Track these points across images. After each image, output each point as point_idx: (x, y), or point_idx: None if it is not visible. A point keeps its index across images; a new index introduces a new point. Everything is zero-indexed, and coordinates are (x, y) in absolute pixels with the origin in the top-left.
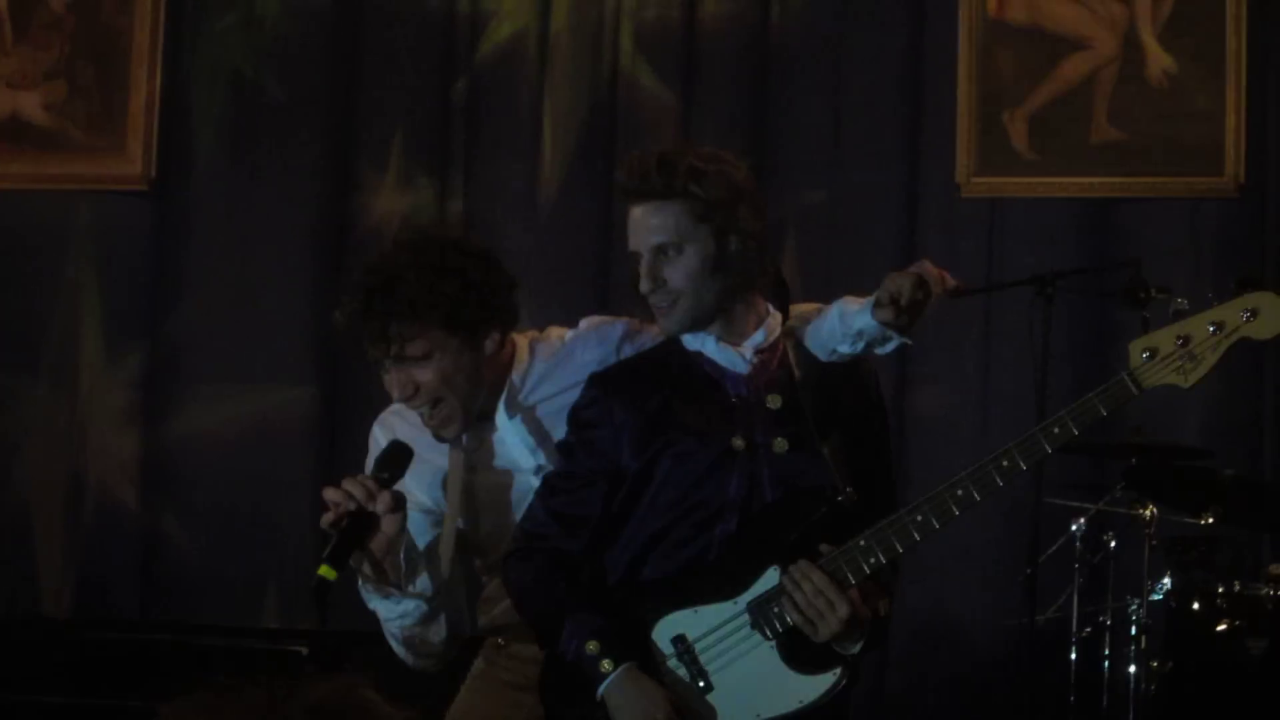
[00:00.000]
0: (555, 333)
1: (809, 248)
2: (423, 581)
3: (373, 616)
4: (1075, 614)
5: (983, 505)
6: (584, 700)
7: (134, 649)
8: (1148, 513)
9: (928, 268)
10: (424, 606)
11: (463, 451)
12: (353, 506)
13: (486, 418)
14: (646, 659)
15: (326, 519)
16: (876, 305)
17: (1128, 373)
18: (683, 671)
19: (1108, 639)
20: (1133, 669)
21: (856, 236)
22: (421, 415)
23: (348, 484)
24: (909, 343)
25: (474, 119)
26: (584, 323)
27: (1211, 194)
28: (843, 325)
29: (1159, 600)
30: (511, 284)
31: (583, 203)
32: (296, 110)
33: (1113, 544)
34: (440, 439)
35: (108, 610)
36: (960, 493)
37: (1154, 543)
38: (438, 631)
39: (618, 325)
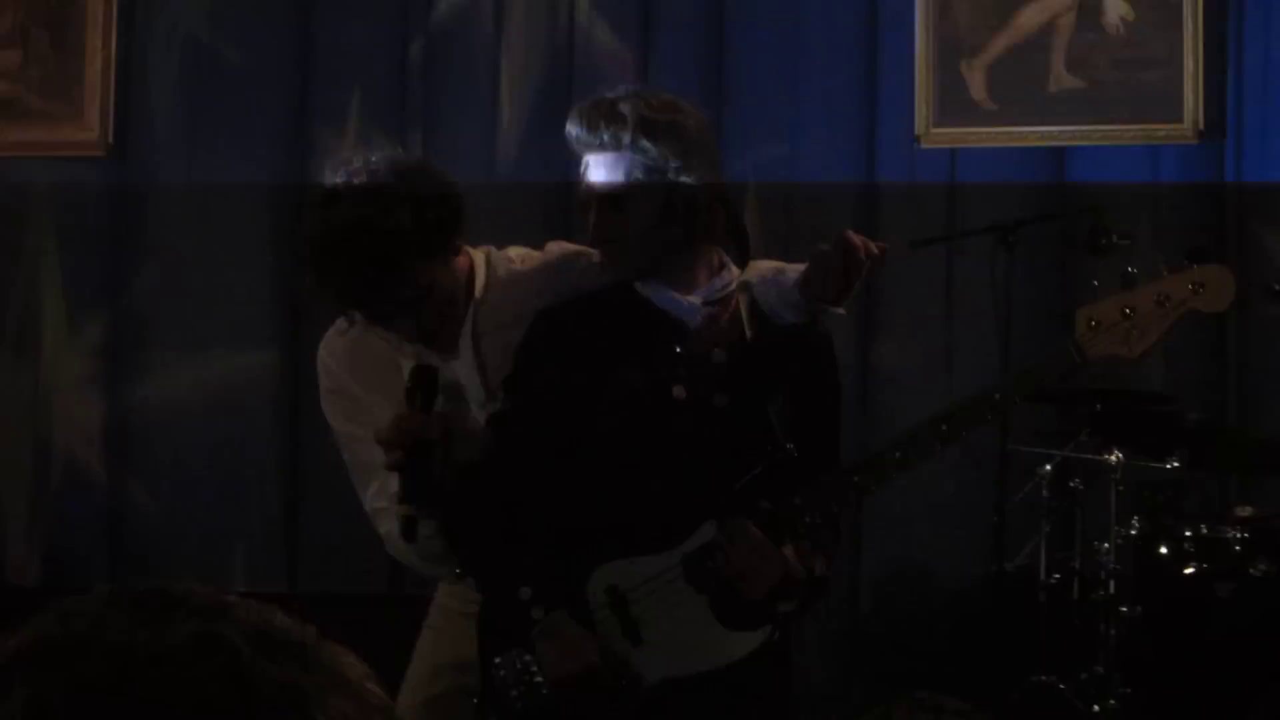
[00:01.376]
0: (515, 252)
1: (769, 201)
2: None
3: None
4: (1043, 560)
5: (949, 453)
6: (516, 644)
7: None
8: (1113, 458)
9: (850, 239)
10: None
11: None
12: (408, 442)
13: (450, 347)
14: (579, 608)
15: (388, 462)
16: (804, 285)
17: (1072, 341)
18: (613, 622)
19: (1076, 585)
20: (1102, 614)
21: (816, 189)
22: (418, 349)
23: (396, 422)
24: (841, 312)
25: (431, 78)
26: (551, 247)
27: (1171, 140)
28: (781, 300)
29: (1126, 545)
30: (456, 192)
31: (542, 160)
32: (253, 73)
33: (1080, 490)
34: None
35: (75, 578)
36: (898, 456)
37: (1120, 488)
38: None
39: (582, 259)
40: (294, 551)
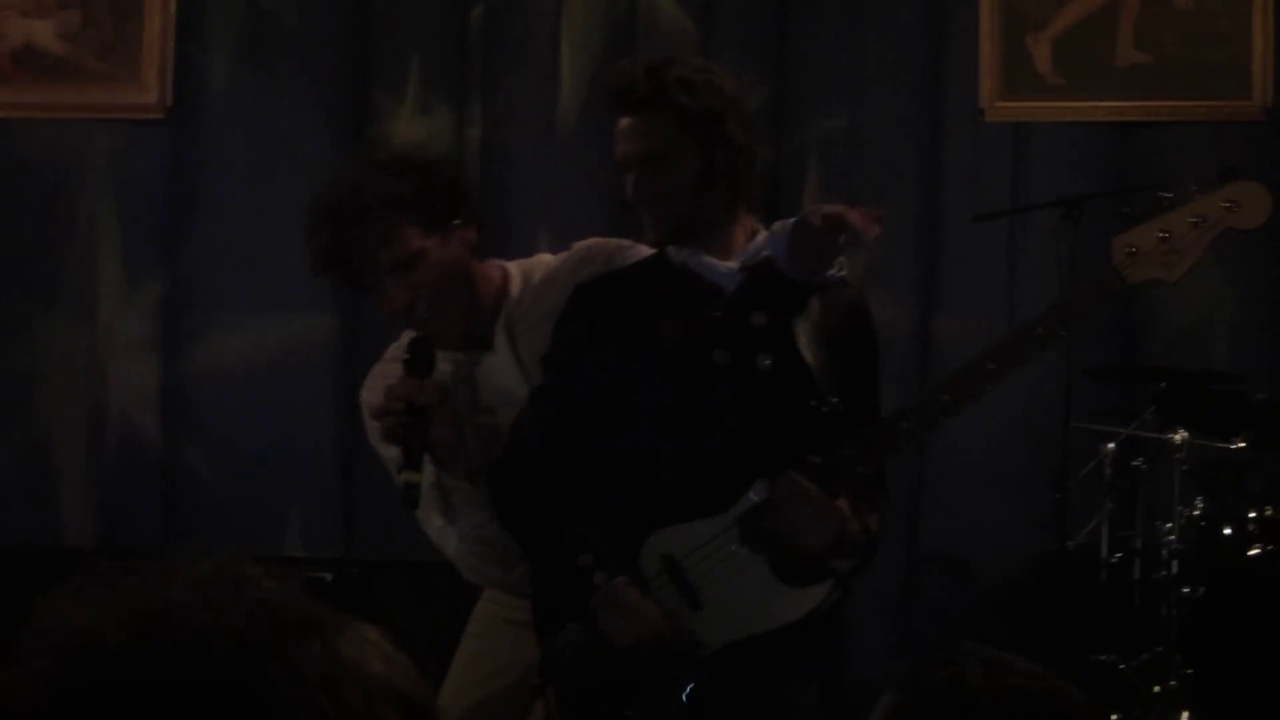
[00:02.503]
0: (544, 258)
1: (830, 175)
2: None
3: (395, 545)
4: (1105, 539)
5: (1011, 431)
6: (576, 616)
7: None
8: (1178, 437)
9: (827, 212)
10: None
11: (461, 379)
12: (401, 408)
13: (486, 345)
14: (635, 578)
15: (385, 429)
16: (790, 251)
17: (1112, 269)
18: (671, 590)
19: (1138, 565)
20: (1163, 594)
21: (878, 163)
22: (415, 329)
23: (391, 390)
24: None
25: (492, 45)
26: (576, 246)
27: (1237, 117)
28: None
29: (1190, 525)
30: (470, 180)
31: (601, 130)
32: (312, 36)
33: (1143, 469)
34: (442, 347)
35: (130, 541)
36: (946, 398)
37: (1185, 468)
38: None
39: (608, 244)
40: (349, 517)
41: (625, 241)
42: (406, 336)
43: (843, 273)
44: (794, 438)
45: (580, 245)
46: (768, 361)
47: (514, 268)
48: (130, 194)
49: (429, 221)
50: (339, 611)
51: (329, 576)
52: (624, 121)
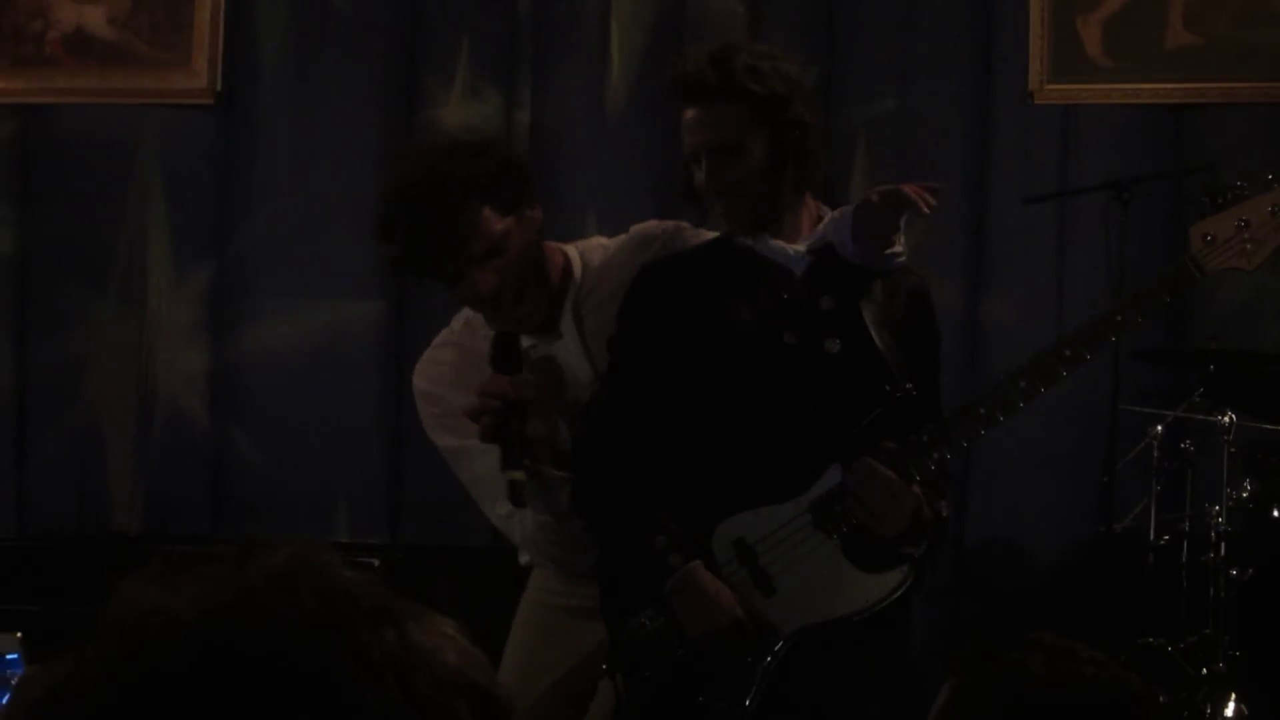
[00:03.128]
0: (599, 240)
1: (880, 156)
2: None
3: (442, 530)
4: (1153, 522)
5: (1059, 413)
6: (649, 600)
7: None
8: (1226, 419)
9: (892, 189)
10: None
11: (535, 364)
12: (498, 406)
13: (553, 329)
14: (708, 564)
15: (482, 429)
16: (854, 231)
17: (1190, 257)
18: (744, 575)
19: (1186, 547)
20: (1212, 577)
21: (928, 145)
22: (497, 318)
23: (485, 389)
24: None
25: (541, 29)
26: (634, 229)
27: None
28: (842, 240)
29: (1238, 507)
30: (516, 150)
31: (651, 112)
32: (362, 21)
33: (1191, 451)
34: (524, 332)
35: (179, 526)
36: (1024, 384)
37: (1233, 450)
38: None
39: (668, 226)
40: (396, 503)
41: (684, 223)
42: (459, 322)
43: (903, 258)
44: (868, 422)
45: (639, 228)
46: (837, 345)
47: (573, 250)
48: (180, 180)
49: (507, 204)
50: (415, 602)
51: (376, 562)
52: (691, 112)
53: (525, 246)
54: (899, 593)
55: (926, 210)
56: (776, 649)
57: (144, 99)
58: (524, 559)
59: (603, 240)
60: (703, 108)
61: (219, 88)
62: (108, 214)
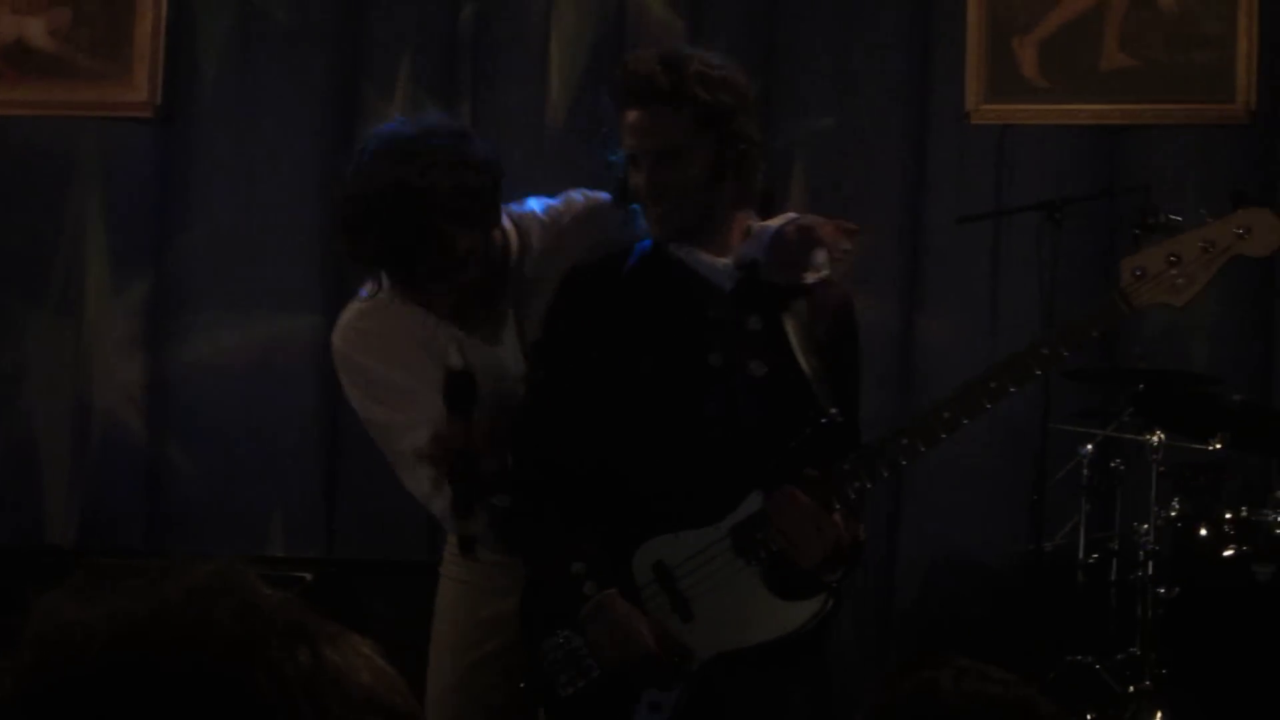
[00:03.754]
0: (533, 211)
1: (817, 174)
2: None
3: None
4: (1083, 540)
5: (990, 432)
6: (566, 625)
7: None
8: (1155, 439)
9: (811, 229)
10: None
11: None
12: (452, 455)
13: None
14: (626, 587)
15: (435, 477)
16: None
17: (1118, 291)
18: (663, 598)
19: (1115, 565)
20: (1140, 595)
21: (865, 163)
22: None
23: (439, 437)
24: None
25: (481, 46)
26: (574, 197)
27: (1223, 121)
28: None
29: (1166, 526)
30: (492, 151)
31: (590, 131)
32: (303, 36)
33: (1121, 470)
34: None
35: (114, 539)
36: (947, 415)
37: (1161, 469)
38: None
39: (612, 214)
40: (332, 517)
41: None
42: (370, 287)
43: (825, 272)
44: (791, 448)
45: (575, 202)
46: (763, 368)
47: (508, 221)
48: (119, 192)
49: (469, 219)
50: (332, 622)
51: (309, 576)
52: (634, 114)
53: (490, 262)
54: (816, 620)
55: (838, 256)
56: (692, 673)
57: (84, 111)
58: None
59: (536, 210)
60: (649, 110)
61: (159, 101)
62: (46, 226)
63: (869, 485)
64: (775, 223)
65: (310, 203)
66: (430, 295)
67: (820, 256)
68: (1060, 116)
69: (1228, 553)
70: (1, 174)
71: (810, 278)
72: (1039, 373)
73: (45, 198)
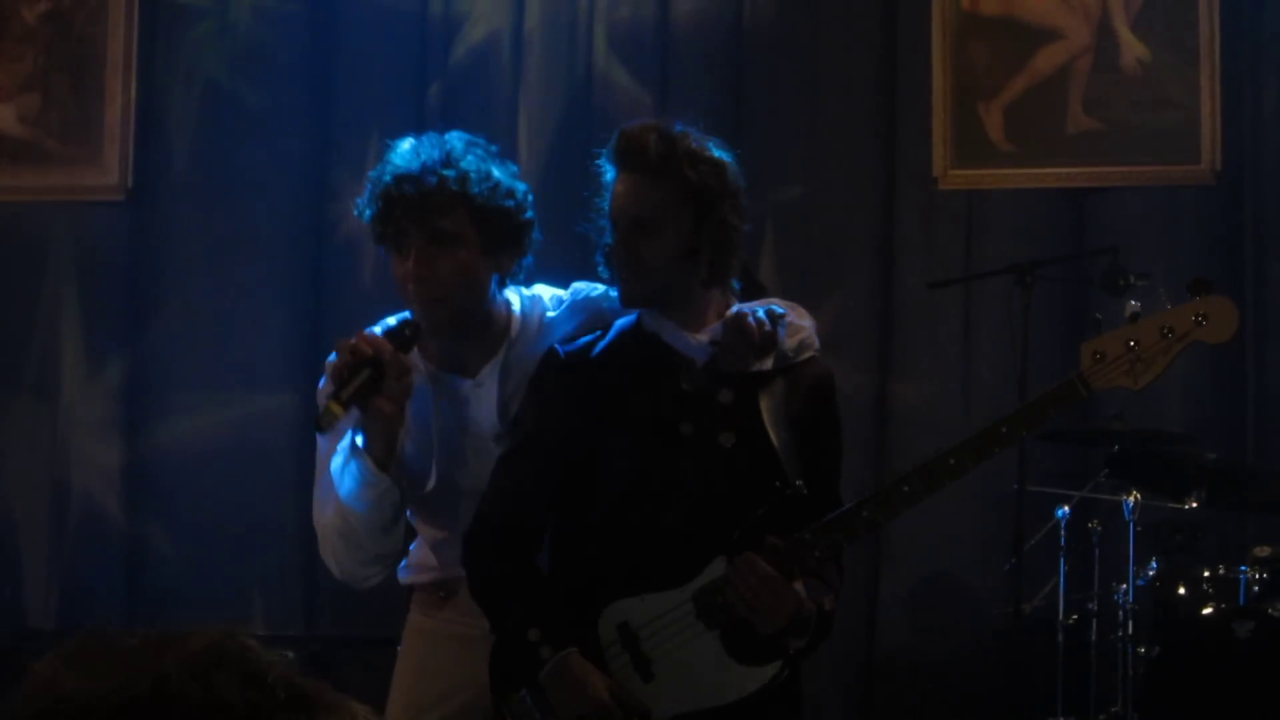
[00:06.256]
0: (543, 294)
1: (786, 243)
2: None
3: (358, 620)
4: (1061, 601)
5: (965, 494)
6: (526, 683)
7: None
8: (1131, 499)
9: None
10: (397, 493)
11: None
12: (367, 354)
13: (473, 374)
14: (590, 645)
15: (336, 364)
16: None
17: (1077, 375)
18: (625, 659)
19: (1094, 625)
20: (1120, 655)
21: (834, 232)
22: (419, 310)
23: (364, 335)
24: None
25: (449, 122)
26: (577, 287)
27: (1188, 181)
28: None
29: (1145, 586)
30: (532, 223)
31: (559, 204)
32: (272, 117)
33: (1098, 531)
34: (423, 333)
35: (94, 621)
36: (907, 489)
37: (1138, 529)
38: (390, 537)
39: (603, 299)
40: (311, 595)
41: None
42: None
43: (809, 353)
44: (755, 517)
45: (579, 296)
46: (732, 439)
47: (516, 304)
48: (92, 275)
49: (485, 227)
50: (330, 689)
51: (291, 654)
52: (625, 180)
53: (472, 270)
54: (773, 686)
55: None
56: None
57: (55, 196)
58: (403, 578)
59: (546, 294)
60: (633, 178)
61: (129, 184)
62: (20, 310)
63: (829, 555)
64: (747, 308)
65: (282, 283)
66: (405, 257)
67: (793, 341)
68: (1027, 180)
69: (1207, 611)
70: None
71: (756, 367)
72: (999, 451)
73: (19, 282)
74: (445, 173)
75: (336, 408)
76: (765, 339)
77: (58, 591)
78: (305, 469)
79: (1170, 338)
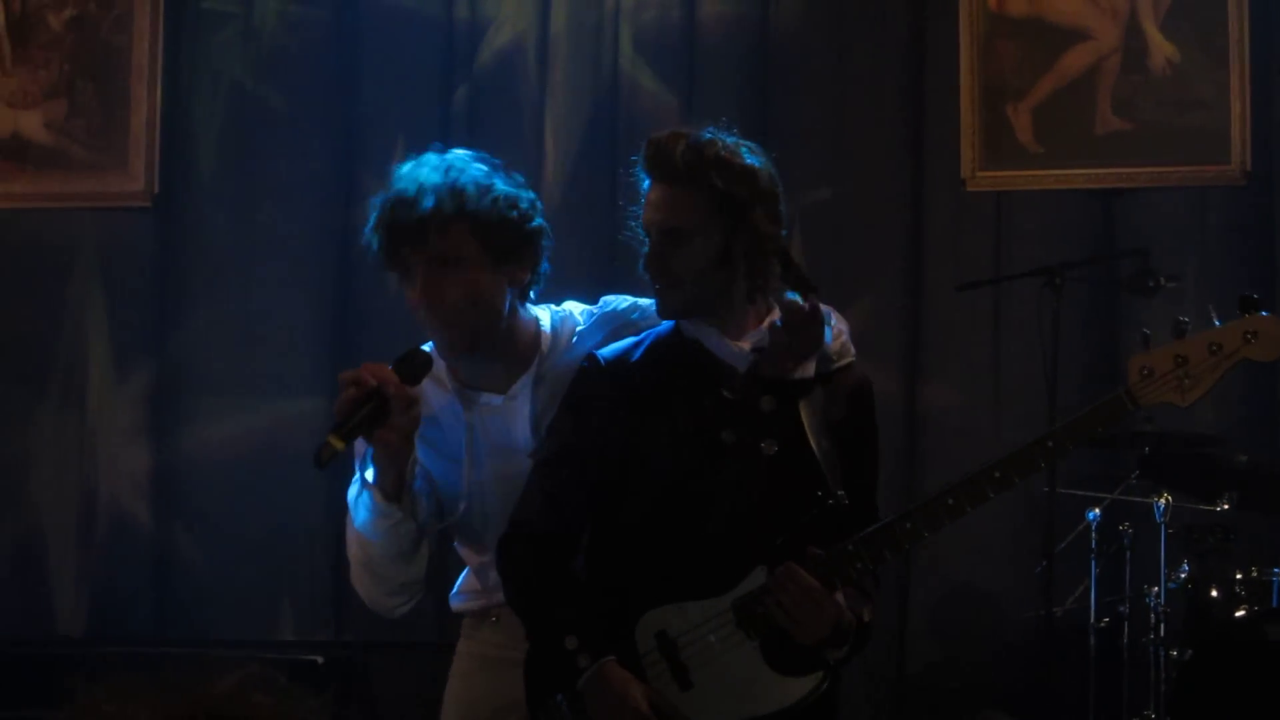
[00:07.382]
0: (574, 309)
1: (815, 247)
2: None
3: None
4: (1093, 605)
5: (998, 499)
6: (563, 691)
7: (149, 665)
8: (1163, 501)
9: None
10: (412, 525)
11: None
12: (372, 386)
13: (507, 390)
14: (628, 653)
15: (342, 395)
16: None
17: (1125, 390)
18: (663, 668)
19: (1126, 628)
20: (1152, 658)
21: (863, 234)
22: (436, 335)
23: (370, 366)
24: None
25: (475, 126)
26: (604, 303)
27: (1218, 182)
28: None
29: (1176, 588)
30: (544, 232)
31: (586, 207)
32: (298, 121)
33: (1129, 533)
34: (443, 356)
35: (122, 627)
36: (951, 502)
37: (1170, 531)
38: (412, 566)
39: (628, 310)
40: (340, 599)
41: (645, 302)
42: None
43: (848, 359)
44: (797, 526)
45: (607, 309)
46: (774, 447)
47: (546, 320)
48: (118, 282)
49: (490, 245)
50: None
51: (320, 659)
52: (655, 190)
53: (483, 287)
54: (814, 696)
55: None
56: None
57: (82, 202)
58: (454, 605)
59: (576, 309)
60: (662, 188)
61: (156, 189)
62: (48, 316)
63: (872, 567)
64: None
65: (309, 287)
66: (414, 284)
67: (836, 344)
68: (1056, 181)
69: (1239, 613)
70: (2, 266)
71: (799, 373)
72: (1044, 465)
73: (46, 289)
74: (441, 193)
75: (337, 441)
76: (815, 320)
77: (87, 597)
78: (333, 474)
79: (1219, 354)
